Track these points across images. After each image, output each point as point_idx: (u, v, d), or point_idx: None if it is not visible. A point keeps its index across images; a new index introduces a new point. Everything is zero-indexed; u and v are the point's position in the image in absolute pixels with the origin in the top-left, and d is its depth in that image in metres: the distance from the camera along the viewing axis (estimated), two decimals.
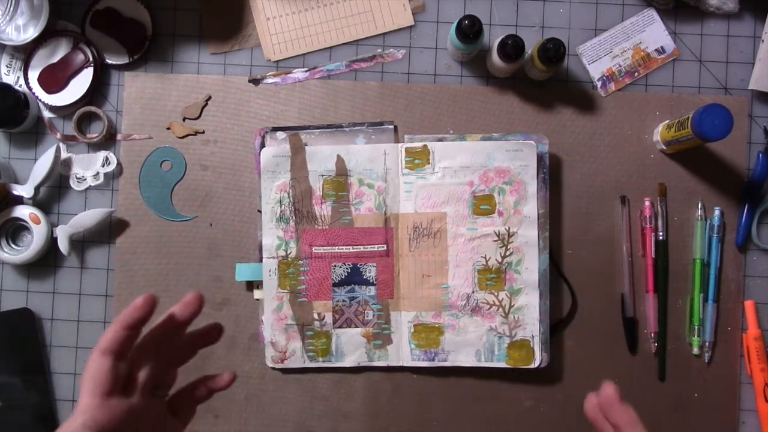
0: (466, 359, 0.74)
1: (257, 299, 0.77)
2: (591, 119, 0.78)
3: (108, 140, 0.78)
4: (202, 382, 0.54)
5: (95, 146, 0.78)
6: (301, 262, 0.76)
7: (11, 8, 0.74)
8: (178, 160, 0.78)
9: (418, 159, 0.75)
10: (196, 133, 0.78)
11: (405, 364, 0.75)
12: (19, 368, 0.76)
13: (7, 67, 0.79)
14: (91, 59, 0.77)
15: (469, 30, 0.70)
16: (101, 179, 0.77)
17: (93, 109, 0.77)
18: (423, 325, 0.75)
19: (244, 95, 0.78)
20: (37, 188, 0.75)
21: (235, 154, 0.78)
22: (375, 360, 0.76)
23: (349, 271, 0.76)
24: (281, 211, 0.76)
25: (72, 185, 0.78)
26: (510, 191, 0.74)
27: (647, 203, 0.76)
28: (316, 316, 0.76)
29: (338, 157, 0.76)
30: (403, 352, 0.75)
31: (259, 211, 0.76)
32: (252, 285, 0.77)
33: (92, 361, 0.47)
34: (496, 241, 0.74)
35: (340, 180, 0.76)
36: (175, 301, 0.79)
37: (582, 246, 0.77)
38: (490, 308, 0.74)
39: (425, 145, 0.75)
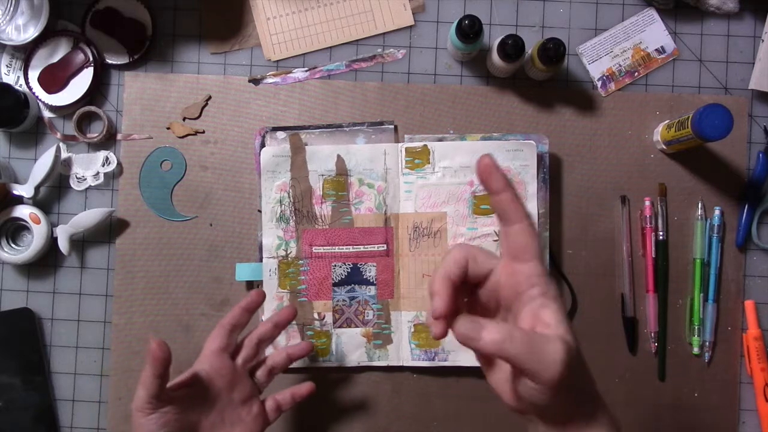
0: (466, 359, 0.74)
1: None
2: (591, 119, 0.78)
3: (108, 140, 0.78)
4: (281, 352, 0.68)
5: (95, 146, 0.78)
6: (301, 261, 0.76)
7: (11, 8, 0.74)
8: (178, 160, 0.78)
9: (418, 159, 0.75)
10: (196, 133, 0.78)
11: (405, 364, 0.75)
12: (19, 368, 0.76)
13: (7, 67, 0.79)
14: (91, 59, 0.77)
15: (469, 30, 0.70)
16: (101, 179, 0.77)
17: (93, 109, 0.77)
18: (423, 325, 0.75)
19: (244, 95, 0.78)
20: (37, 188, 0.75)
21: (235, 154, 0.78)
22: (375, 360, 0.76)
23: (349, 270, 0.76)
24: (281, 211, 0.76)
25: (72, 185, 0.78)
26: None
27: (647, 203, 0.76)
28: (316, 315, 0.76)
29: (338, 157, 0.76)
30: (403, 352, 0.75)
31: (259, 211, 0.76)
32: (252, 285, 0.77)
33: (215, 330, 0.65)
34: (496, 241, 0.74)
35: (340, 180, 0.76)
36: (175, 300, 0.79)
37: (582, 246, 0.77)
38: None
39: (425, 145, 0.75)
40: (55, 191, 0.78)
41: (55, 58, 0.77)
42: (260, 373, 0.67)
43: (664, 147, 0.76)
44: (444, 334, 0.42)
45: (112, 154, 0.78)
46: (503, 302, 0.45)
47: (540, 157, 0.75)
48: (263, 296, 0.68)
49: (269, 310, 0.75)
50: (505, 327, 0.39)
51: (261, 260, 0.76)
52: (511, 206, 0.43)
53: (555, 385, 0.39)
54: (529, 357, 0.39)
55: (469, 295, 0.46)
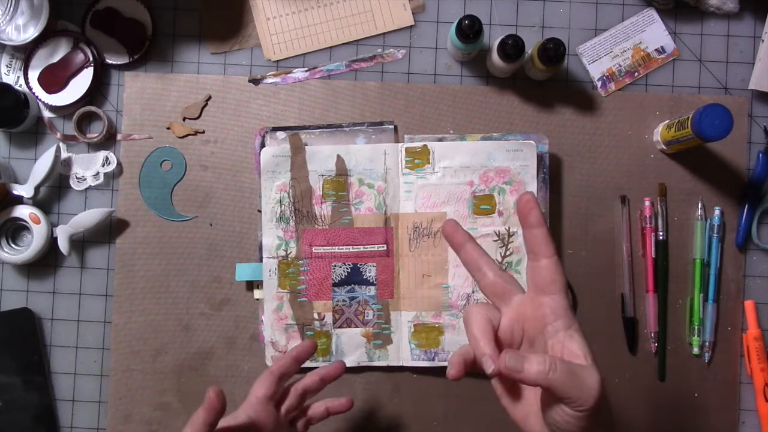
0: None
1: (257, 299, 0.77)
2: (591, 119, 0.78)
3: (108, 140, 0.78)
4: (321, 405, 0.68)
5: (95, 146, 0.78)
6: (301, 261, 0.76)
7: (11, 8, 0.74)
8: (178, 160, 0.78)
9: (418, 159, 0.75)
10: (196, 133, 0.78)
11: (405, 364, 0.76)
12: (19, 368, 0.76)
13: (7, 67, 0.79)
14: (91, 59, 0.77)
15: (469, 30, 0.70)
16: (101, 179, 0.77)
17: (93, 109, 0.77)
18: (423, 325, 0.75)
19: (244, 95, 0.78)
20: (37, 188, 0.75)
21: (235, 154, 0.78)
22: (375, 360, 0.76)
23: (349, 271, 0.76)
24: (281, 211, 0.76)
25: (72, 185, 0.78)
26: (510, 191, 0.74)
27: (647, 203, 0.76)
28: (316, 315, 0.76)
29: (338, 157, 0.76)
30: (403, 352, 0.75)
31: (259, 211, 0.76)
32: (252, 285, 0.77)
33: (263, 376, 0.64)
34: (496, 241, 0.74)
35: (340, 180, 0.76)
36: (175, 300, 0.79)
37: (582, 246, 0.77)
38: None
39: (425, 145, 0.75)
40: (55, 191, 0.78)
41: (55, 58, 0.77)
42: (300, 424, 0.66)
43: (664, 147, 0.76)
44: (462, 376, 0.46)
45: (112, 154, 0.78)
46: (527, 334, 0.48)
47: (540, 157, 0.75)
48: (315, 347, 0.68)
49: (269, 310, 0.75)
50: (547, 358, 0.42)
51: (261, 260, 0.76)
52: (543, 241, 0.46)
53: (593, 409, 0.42)
54: (571, 385, 0.42)
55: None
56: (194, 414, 0.56)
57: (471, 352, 0.46)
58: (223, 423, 0.59)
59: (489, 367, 0.44)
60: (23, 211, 0.75)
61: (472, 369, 0.47)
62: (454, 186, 0.75)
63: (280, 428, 0.63)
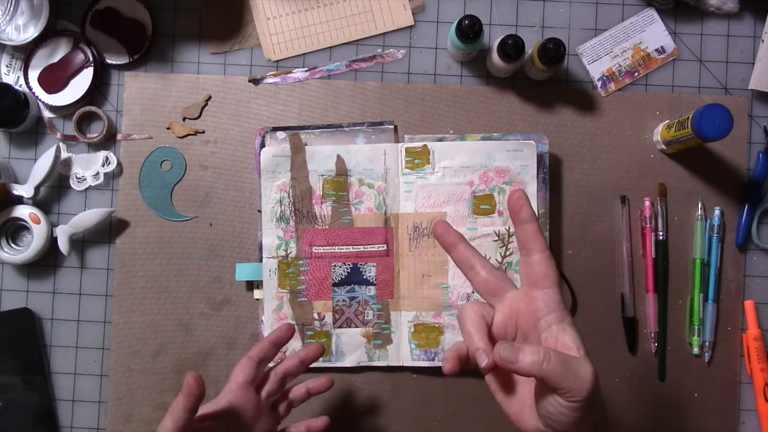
0: None
1: (257, 299, 0.77)
2: (591, 119, 0.78)
3: (108, 140, 0.78)
4: (302, 387, 0.68)
5: (95, 146, 0.78)
6: (301, 261, 0.76)
7: (11, 8, 0.74)
8: (178, 160, 0.78)
9: (418, 159, 0.75)
10: (196, 133, 0.78)
11: (405, 364, 0.76)
12: (19, 368, 0.76)
13: (7, 67, 0.79)
14: (91, 59, 0.77)
15: (469, 30, 0.70)
16: (101, 179, 0.77)
17: (93, 109, 0.77)
18: (423, 325, 0.75)
19: (244, 95, 0.78)
20: (37, 188, 0.75)
21: (235, 154, 0.78)
22: (375, 360, 0.76)
23: (349, 271, 0.76)
24: (281, 211, 0.76)
25: (72, 185, 0.78)
26: (510, 191, 0.74)
27: (647, 203, 0.76)
28: (316, 315, 0.76)
29: (338, 157, 0.76)
30: (403, 352, 0.75)
31: (259, 211, 0.76)
32: (252, 285, 0.77)
33: (242, 361, 0.63)
34: (496, 241, 0.74)
35: (340, 180, 0.76)
36: (175, 300, 0.79)
37: (582, 246, 0.77)
38: None
39: (425, 145, 0.75)
40: (55, 191, 0.78)
41: (55, 58, 0.77)
42: (281, 407, 0.67)
43: (664, 147, 0.76)
44: (456, 370, 0.46)
45: (112, 154, 0.78)
46: (520, 329, 0.48)
47: (540, 157, 0.75)
48: (293, 331, 0.67)
49: (269, 310, 0.75)
50: (541, 348, 0.43)
51: (261, 260, 0.76)
52: (535, 237, 0.48)
53: (586, 400, 0.42)
54: (565, 375, 0.42)
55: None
56: (174, 401, 0.55)
57: (464, 348, 0.47)
58: (203, 409, 0.59)
59: (483, 361, 0.44)
60: (23, 211, 0.75)
61: (467, 365, 0.47)
62: (454, 186, 0.75)
63: (261, 412, 0.63)
